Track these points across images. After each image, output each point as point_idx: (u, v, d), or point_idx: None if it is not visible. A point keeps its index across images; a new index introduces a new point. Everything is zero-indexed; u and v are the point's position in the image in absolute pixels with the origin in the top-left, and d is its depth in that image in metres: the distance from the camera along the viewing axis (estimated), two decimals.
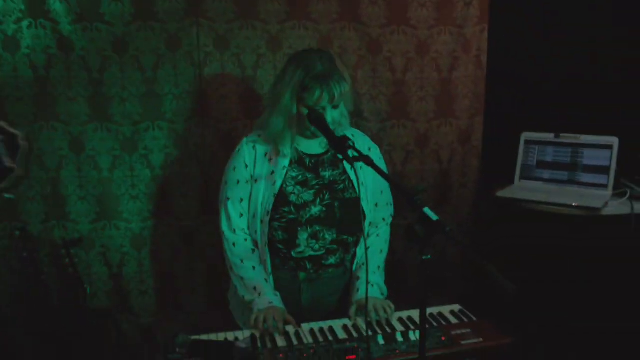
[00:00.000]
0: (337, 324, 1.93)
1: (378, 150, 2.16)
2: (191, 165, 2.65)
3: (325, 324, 1.93)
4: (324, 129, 1.84)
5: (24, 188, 2.54)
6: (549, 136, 2.75)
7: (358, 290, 2.03)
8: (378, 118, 2.76)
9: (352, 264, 2.12)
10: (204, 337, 1.81)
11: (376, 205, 2.15)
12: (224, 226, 2.05)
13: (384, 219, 2.21)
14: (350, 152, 1.69)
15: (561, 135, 2.71)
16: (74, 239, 2.57)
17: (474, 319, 1.96)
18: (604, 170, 2.60)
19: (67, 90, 2.50)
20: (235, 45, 2.59)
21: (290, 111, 1.93)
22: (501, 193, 2.64)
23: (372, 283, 2.04)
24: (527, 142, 2.80)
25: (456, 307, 2.04)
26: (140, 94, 2.55)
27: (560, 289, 2.60)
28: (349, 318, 1.96)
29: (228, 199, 2.03)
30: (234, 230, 2.04)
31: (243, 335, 1.84)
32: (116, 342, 2.56)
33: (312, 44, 2.63)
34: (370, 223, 2.15)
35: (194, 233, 2.69)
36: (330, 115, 1.91)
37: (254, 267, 2.02)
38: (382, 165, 2.12)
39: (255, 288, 1.98)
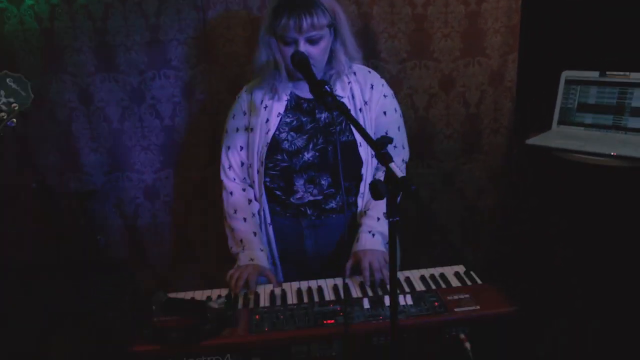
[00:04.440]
0: (328, 284, 1.82)
1: (384, 89, 1.97)
2: (199, 114, 2.56)
3: (314, 283, 1.83)
4: (306, 73, 1.67)
5: (39, 141, 2.56)
6: (593, 74, 2.40)
7: (358, 239, 1.92)
8: (397, 59, 2.52)
9: (357, 207, 1.99)
10: (181, 294, 1.80)
11: None
12: (223, 175, 2.03)
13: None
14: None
15: (607, 73, 2.36)
16: (87, 191, 2.58)
17: (479, 282, 1.78)
18: None
19: (72, 41, 2.45)
20: None
21: (268, 44, 1.83)
22: (532, 140, 2.35)
23: (373, 232, 1.91)
24: (568, 81, 2.46)
25: (460, 269, 1.86)
26: (144, 41, 2.46)
27: (594, 250, 2.33)
28: (343, 271, 1.84)
29: (228, 147, 2.00)
30: (233, 179, 2.02)
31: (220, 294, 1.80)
32: (132, 292, 2.58)
33: None
34: (377, 167, 2.00)
35: (205, 184, 2.63)
36: (306, 52, 1.75)
37: (244, 219, 1.97)
38: (388, 105, 1.97)
39: (241, 241, 1.94)
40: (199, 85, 2.53)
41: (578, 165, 2.21)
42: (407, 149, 2.08)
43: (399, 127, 2.02)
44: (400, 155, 2.05)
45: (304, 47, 1.75)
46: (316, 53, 1.78)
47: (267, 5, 2.41)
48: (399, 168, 1.96)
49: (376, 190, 1.25)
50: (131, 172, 2.62)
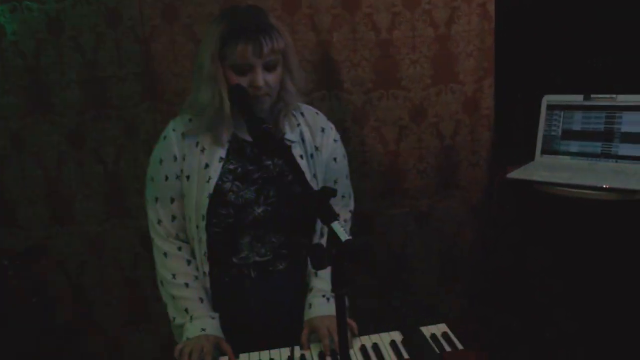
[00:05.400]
0: (282, 355, 1.55)
1: (333, 133, 1.75)
2: (145, 157, 2.29)
3: (266, 355, 1.56)
4: (245, 108, 1.43)
5: None
6: (577, 98, 2.20)
7: (310, 305, 1.65)
8: (362, 89, 2.31)
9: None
10: None
11: None
12: (153, 232, 1.70)
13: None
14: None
15: (592, 96, 2.16)
16: (26, 247, 2.31)
17: (460, 347, 1.52)
18: None
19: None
20: (186, 14, 2.21)
21: (213, 77, 1.54)
22: (514, 174, 2.13)
23: (327, 296, 1.66)
24: (550, 107, 2.26)
25: (442, 328, 1.60)
26: (81, 79, 2.22)
27: (586, 291, 2.10)
28: (301, 345, 1.58)
29: (156, 198, 1.67)
30: (166, 237, 1.69)
31: None
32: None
33: (276, 5, 2.21)
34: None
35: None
36: (263, 79, 1.51)
37: (187, 284, 1.66)
38: (338, 151, 1.75)
39: (187, 310, 1.64)
40: (144, 125, 2.28)
41: (566, 200, 1.99)
42: (352, 196, 1.85)
43: (346, 175, 1.80)
44: (348, 206, 1.82)
45: (262, 74, 1.51)
46: (273, 80, 1.55)
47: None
48: (346, 224, 1.75)
49: (316, 259, 1.00)
50: (72, 225, 2.35)
